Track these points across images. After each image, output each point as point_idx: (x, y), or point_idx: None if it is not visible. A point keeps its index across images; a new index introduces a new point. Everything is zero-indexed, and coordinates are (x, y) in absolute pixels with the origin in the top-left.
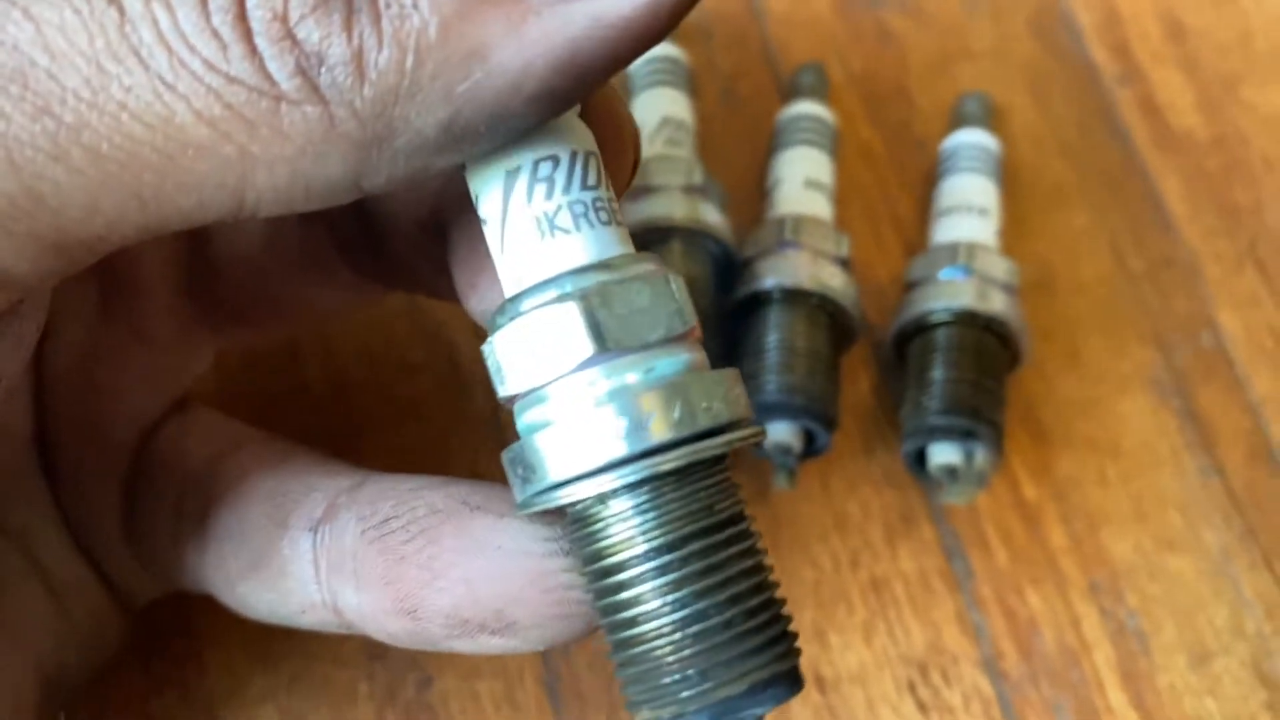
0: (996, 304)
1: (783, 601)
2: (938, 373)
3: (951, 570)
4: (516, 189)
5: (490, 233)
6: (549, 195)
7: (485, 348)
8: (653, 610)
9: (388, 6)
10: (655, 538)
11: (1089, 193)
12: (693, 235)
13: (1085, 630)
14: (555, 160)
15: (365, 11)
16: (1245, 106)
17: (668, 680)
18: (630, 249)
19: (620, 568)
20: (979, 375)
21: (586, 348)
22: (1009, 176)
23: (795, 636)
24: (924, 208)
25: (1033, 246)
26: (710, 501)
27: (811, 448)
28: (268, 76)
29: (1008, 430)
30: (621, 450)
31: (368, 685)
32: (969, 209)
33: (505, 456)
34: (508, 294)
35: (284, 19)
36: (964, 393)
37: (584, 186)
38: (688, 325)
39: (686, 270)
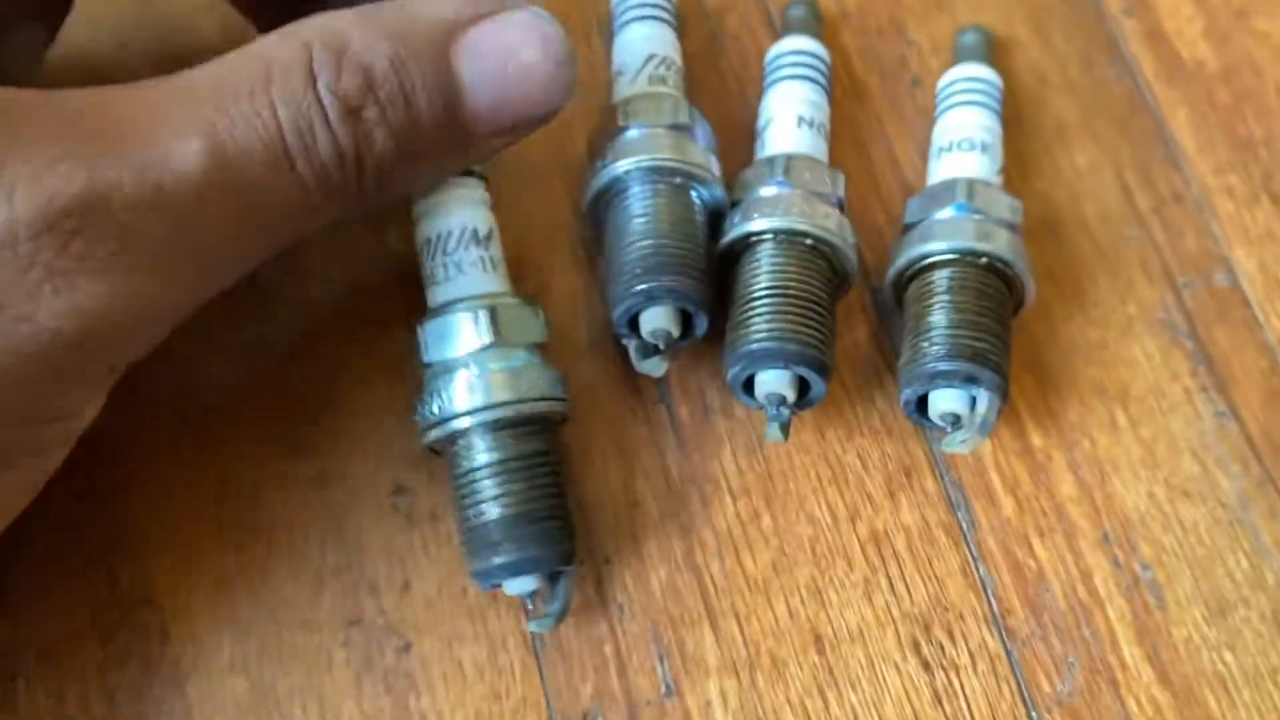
0: (1000, 242)
1: (559, 511)
2: (938, 316)
3: (955, 522)
4: (450, 238)
5: (426, 254)
6: (465, 248)
7: (419, 328)
8: (479, 500)
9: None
10: (490, 457)
11: (1094, 129)
12: (678, 175)
13: (1096, 583)
14: (475, 231)
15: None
16: (1258, 35)
17: (481, 545)
18: (509, 287)
19: (470, 474)
20: (982, 317)
21: (486, 338)
22: (1011, 114)
23: (566, 532)
24: (922, 148)
25: (1036, 185)
26: (527, 441)
27: (806, 397)
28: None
29: (1013, 376)
30: (480, 402)
31: (344, 652)
32: (969, 145)
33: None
34: (434, 304)
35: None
36: (966, 336)
37: (486, 246)
38: (543, 338)
39: (672, 213)
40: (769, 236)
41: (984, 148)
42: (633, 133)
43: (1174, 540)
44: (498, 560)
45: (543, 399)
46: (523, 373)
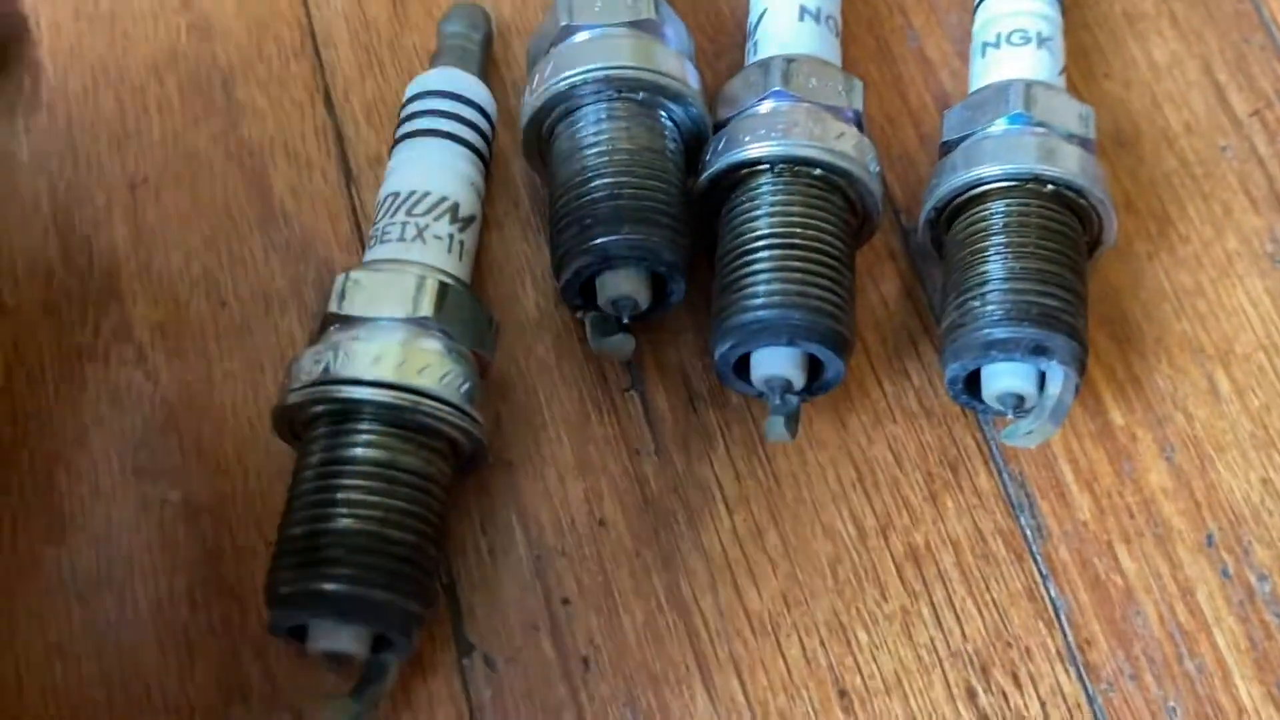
0: (1069, 163)
1: (419, 557)
2: (993, 264)
3: (1018, 529)
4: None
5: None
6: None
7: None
8: (321, 501)
9: None
10: (362, 452)
11: (1174, 11)
12: (641, 88)
13: (1201, 601)
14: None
15: None
16: None
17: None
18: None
19: (327, 465)
20: (1051, 265)
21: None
22: None
23: (420, 593)
24: (961, 46)
25: (1105, 88)
26: (414, 454)
27: (819, 381)
28: None
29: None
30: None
31: None
32: (1023, 38)
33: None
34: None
35: None
36: (1031, 291)
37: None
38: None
39: (633, 140)
40: (765, 168)
41: (1041, 40)
42: (582, 35)
43: None
44: (317, 585)
45: (449, 405)
46: (441, 367)
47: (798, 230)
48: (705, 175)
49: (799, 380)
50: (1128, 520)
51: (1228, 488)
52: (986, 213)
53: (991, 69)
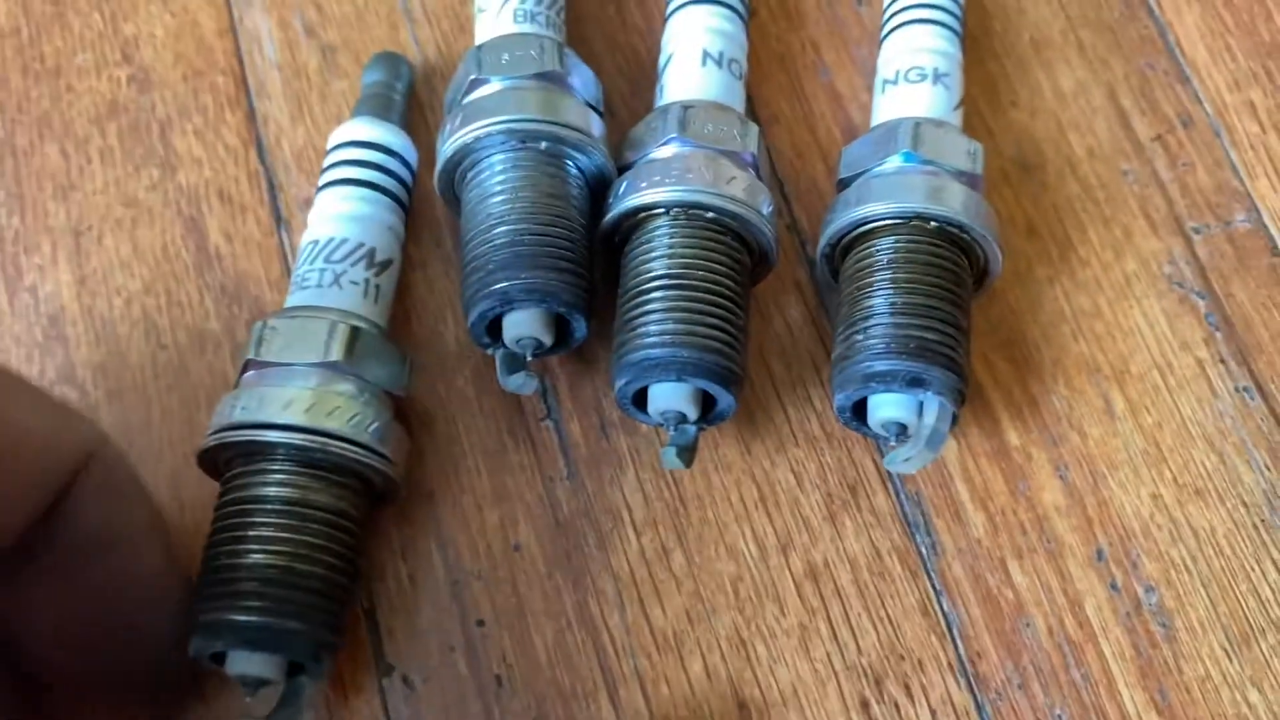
0: (954, 201)
1: (333, 589)
2: (877, 299)
3: (913, 547)
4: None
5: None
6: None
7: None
8: (238, 537)
9: None
10: (276, 491)
11: (1081, 41)
12: (545, 139)
13: (1089, 613)
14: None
15: None
16: None
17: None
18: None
19: (246, 502)
20: (932, 300)
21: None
22: (978, 30)
23: (329, 622)
24: (872, 78)
25: (1011, 116)
26: (326, 492)
27: (712, 412)
28: None
29: (985, 358)
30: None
31: None
32: (919, 75)
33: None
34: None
35: None
36: (911, 325)
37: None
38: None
39: (537, 188)
40: (662, 212)
41: (938, 76)
42: (490, 87)
43: (1185, 553)
44: (231, 616)
45: (358, 446)
46: (349, 409)
47: (690, 271)
48: (607, 219)
49: (692, 412)
50: (1020, 537)
51: (1119, 504)
52: (874, 249)
53: (889, 106)
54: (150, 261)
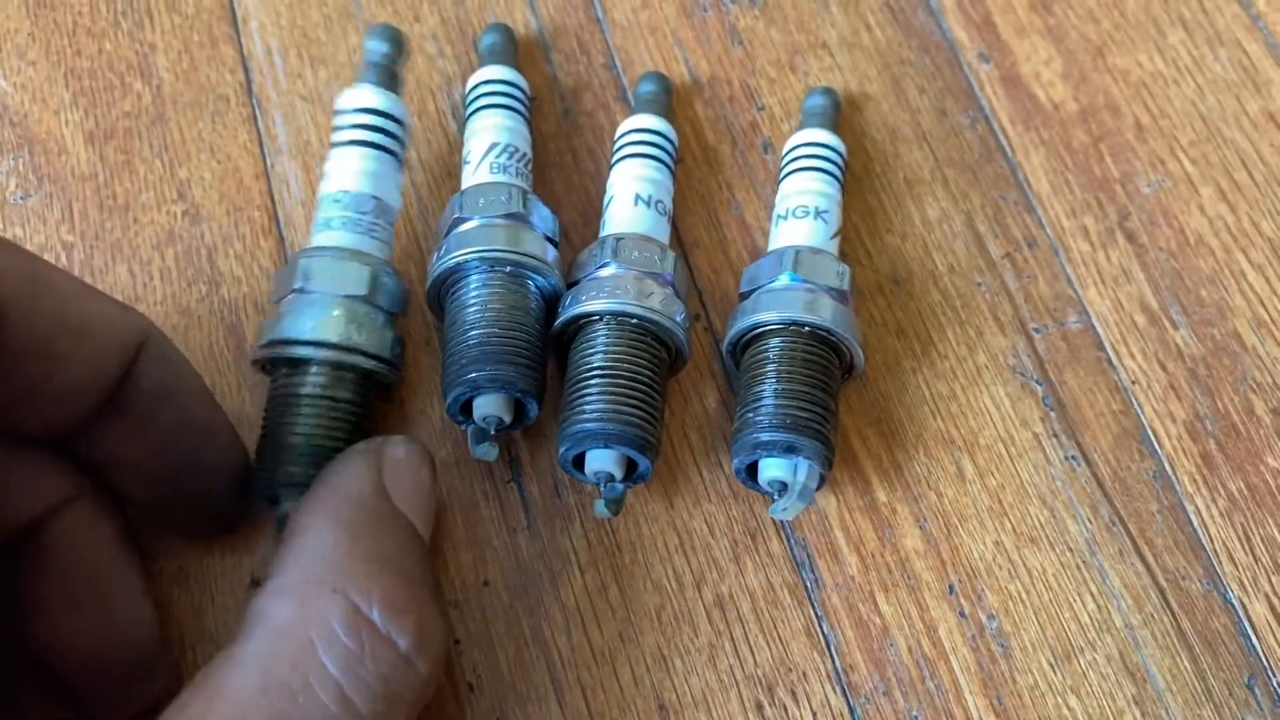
0: (825, 312)
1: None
2: (765, 385)
3: (800, 582)
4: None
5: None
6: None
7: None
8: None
9: None
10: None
11: (946, 178)
12: (510, 264)
13: (941, 635)
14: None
15: None
16: (1117, 73)
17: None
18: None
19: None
20: (807, 386)
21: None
22: (861, 171)
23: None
24: (772, 213)
25: (887, 240)
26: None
27: (636, 473)
28: None
29: (860, 431)
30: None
31: None
32: (804, 212)
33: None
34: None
35: None
36: (790, 405)
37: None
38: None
39: (503, 302)
40: (599, 318)
41: (818, 213)
42: (469, 224)
43: (1020, 588)
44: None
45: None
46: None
47: (619, 364)
48: (557, 323)
49: (619, 473)
50: (887, 574)
51: (968, 549)
52: (764, 347)
53: (781, 235)
54: (199, 359)
